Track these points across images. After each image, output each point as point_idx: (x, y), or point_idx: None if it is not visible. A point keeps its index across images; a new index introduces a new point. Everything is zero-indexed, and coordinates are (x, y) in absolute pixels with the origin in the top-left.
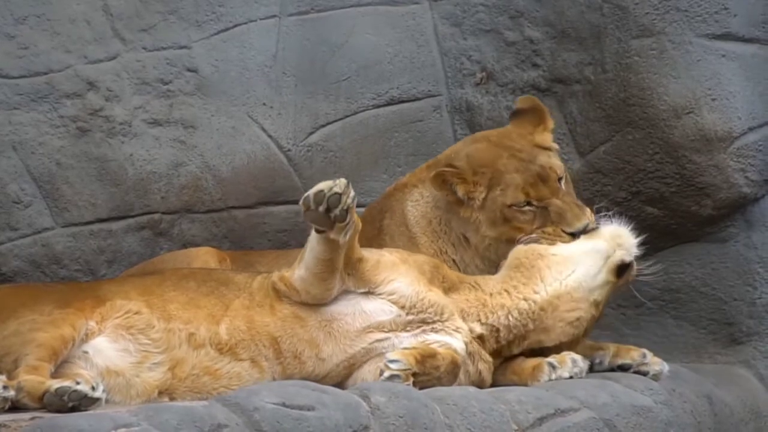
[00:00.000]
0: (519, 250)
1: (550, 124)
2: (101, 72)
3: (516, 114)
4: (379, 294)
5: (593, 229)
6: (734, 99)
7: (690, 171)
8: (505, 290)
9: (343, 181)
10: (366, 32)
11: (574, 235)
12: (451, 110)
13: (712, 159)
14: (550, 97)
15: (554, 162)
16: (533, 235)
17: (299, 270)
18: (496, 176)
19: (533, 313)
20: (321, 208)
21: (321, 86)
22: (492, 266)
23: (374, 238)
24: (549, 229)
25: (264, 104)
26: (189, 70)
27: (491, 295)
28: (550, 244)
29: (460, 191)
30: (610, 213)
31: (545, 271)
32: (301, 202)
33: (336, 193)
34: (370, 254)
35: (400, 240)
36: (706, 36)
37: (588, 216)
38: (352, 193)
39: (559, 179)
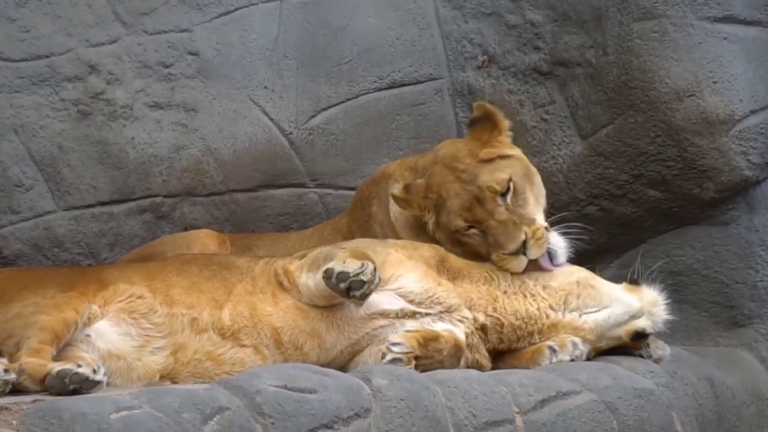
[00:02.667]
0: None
1: (505, 125)
2: (102, 55)
3: (472, 123)
4: (387, 289)
5: (636, 283)
6: (736, 82)
7: (692, 154)
8: (522, 293)
9: (371, 267)
10: (367, 15)
11: (517, 254)
12: (452, 93)
13: (713, 142)
14: (552, 80)
15: (495, 177)
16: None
17: (307, 278)
18: (441, 202)
19: (543, 325)
20: (342, 286)
21: (322, 69)
22: None
23: (364, 224)
24: (494, 257)
25: (265, 87)
26: (190, 53)
27: (505, 292)
28: (507, 269)
29: (409, 213)
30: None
31: (572, 297)
32: (323, 271)
33: (360, 280)
34: (375, 256)
35: (387, 229)
36: (708, 19)
37: (525, 232)
38: (377, 280)
39: (503, 194)
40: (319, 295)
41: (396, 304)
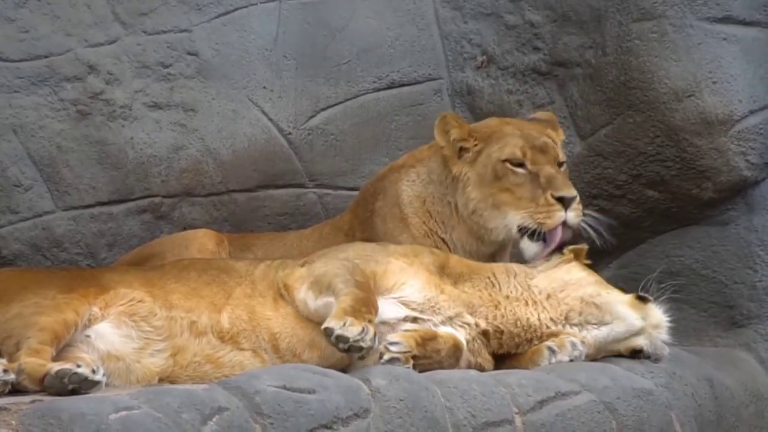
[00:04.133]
0: (573, 269)
1: (562, 135)
2: (101, 55)
3: (532, 120)
4: (390, 297)
5: (645, 299)
6: (735, 82)
7: (691, 154)
8: (524, 300)
9: (371, 333)
10: (366, 16)
11: (563, 201)
12: (451, 94)
13: (712, 142)
14: (551, 81)
15: (559, 148)
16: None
17: (306, 296)
18: (497, 135)
19: (542, 334)
20: (341, 346)
21: (321, 70)
22: (481, 243)
23: (366, 220)
24: (541, 200)
25: (264, 88)
26: (189, 53)
27: (507, 297)
28: (544, 219)
29: (454, 134)
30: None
31: (574, 313)
32: (323, 327)
33: (360, 346)
34: (377, 266)
35: (391, 221)
36: (707, 19)
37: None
38: (377, 345)
39: (560, 163)
40: (317, 317)
41: (398, 312)
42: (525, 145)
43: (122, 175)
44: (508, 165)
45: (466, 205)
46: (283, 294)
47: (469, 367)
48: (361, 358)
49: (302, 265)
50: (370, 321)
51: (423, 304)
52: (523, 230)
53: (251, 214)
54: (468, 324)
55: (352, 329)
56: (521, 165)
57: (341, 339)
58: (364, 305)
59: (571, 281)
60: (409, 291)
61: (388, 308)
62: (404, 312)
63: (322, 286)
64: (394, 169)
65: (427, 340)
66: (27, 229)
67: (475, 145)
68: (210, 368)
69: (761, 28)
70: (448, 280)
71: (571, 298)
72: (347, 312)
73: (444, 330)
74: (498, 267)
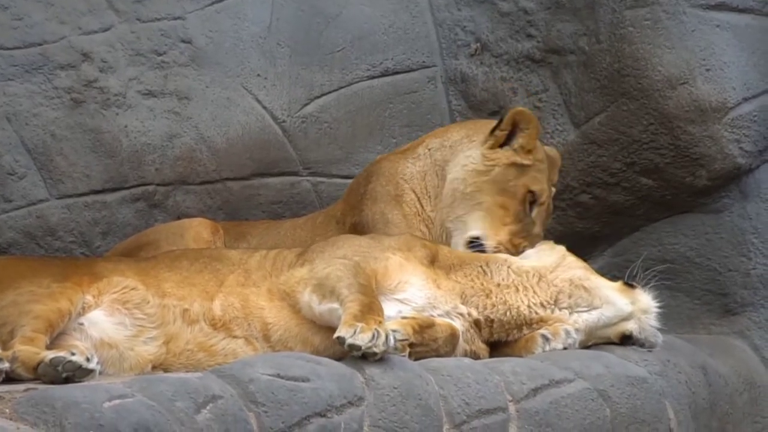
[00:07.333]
0: (561, 256)
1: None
2: (95, 43)
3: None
4: (393, 298)
5: (632, 286)
6: (729, 69)
7: (684, 142)
8: (515, 286)
9: (382, 337)
10: (360, 3)
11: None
12: (445, 81)
13: (706, 130)
14: (545, 68)
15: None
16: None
17: (310, 299)
18: (543, 167)
19: (531, 320)
20: (355, 354)
21: (315, 57)
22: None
23: (357, 204)
24: (517, 240)
25: (258, 75)
26: (183, 41)
27: (498, 285)
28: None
29: (521, 140)
30: None
31: (563, 295)
32: (335, 336)
33: (373, 352)
34: (376, 263)
35: (382, 200)
36: (701, 6)
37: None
38: (392, 345)
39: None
40: (321, 321)
41: (398, 309)
42: (549, 196)
43: (116, 164)
44: (528, 195)
45: (461, 180)
46: (282, 294)
47: (465, 355)
48: (376, 361)
49: (302, 265)
50: (380, 323)
51: (423, 303)
52: (475, 243)
53: (245, 202)
54: (461, 314)
55: (362, 336)
56: (533, 204)
57: (354, 347)
58: (370, 311)
59: (562, 262)
60: (411, 291)
61: (388, 306)
62: (405, 310)
63: (325, 290)
64: (397, 153)
65: (425, 327)
66: (21, 218)
67: (526, 159)
68: (203, 356)
69: (755, 15)
70: (441, 272)
71: (561, 280)
72: (357, 318)
73: (440, 319)
74: (491, 256)
